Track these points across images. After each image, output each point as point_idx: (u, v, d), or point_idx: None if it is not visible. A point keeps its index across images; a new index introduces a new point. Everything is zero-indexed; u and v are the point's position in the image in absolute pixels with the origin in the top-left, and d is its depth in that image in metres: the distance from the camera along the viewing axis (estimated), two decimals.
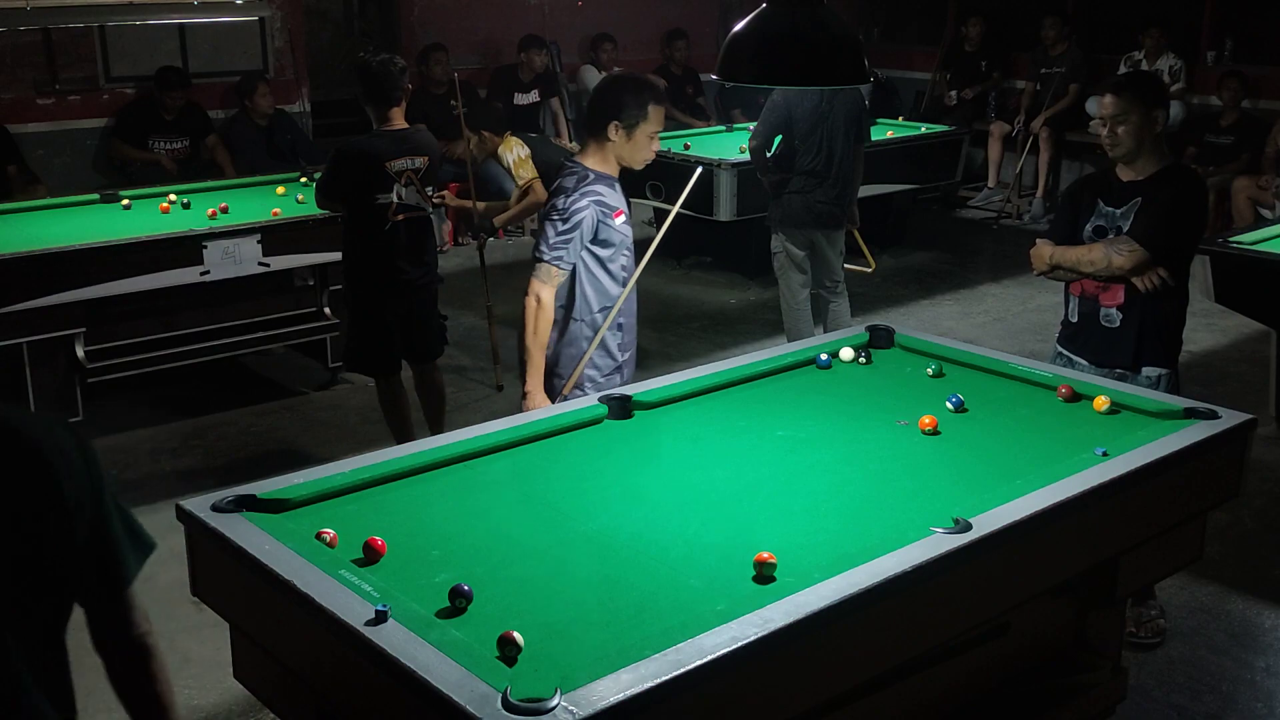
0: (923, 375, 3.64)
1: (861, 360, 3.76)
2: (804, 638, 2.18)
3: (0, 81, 7.76)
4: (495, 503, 2.80)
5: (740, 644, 2.08)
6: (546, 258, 3.69)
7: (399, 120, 4.90)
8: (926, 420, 3.20)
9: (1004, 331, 7.11)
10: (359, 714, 2.24)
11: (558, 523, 2.70)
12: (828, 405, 3.42)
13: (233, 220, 5.80)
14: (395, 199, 4.84)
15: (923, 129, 9.03)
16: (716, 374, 3.60)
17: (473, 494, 2.84)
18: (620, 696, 1.93)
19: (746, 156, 6.68)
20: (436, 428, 5.12)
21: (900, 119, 9.69)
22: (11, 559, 1.76)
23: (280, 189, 6.53)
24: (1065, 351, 4.06)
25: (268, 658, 2.50)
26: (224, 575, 2.56)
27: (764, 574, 2.38)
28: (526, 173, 6.34)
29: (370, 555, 2.47)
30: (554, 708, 1.89)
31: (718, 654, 2.05)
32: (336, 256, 5.34)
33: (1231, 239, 5.30)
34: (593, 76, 10.15)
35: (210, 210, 5.92)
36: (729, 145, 7.98)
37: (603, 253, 3.78)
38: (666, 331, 7.09)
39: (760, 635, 2.11)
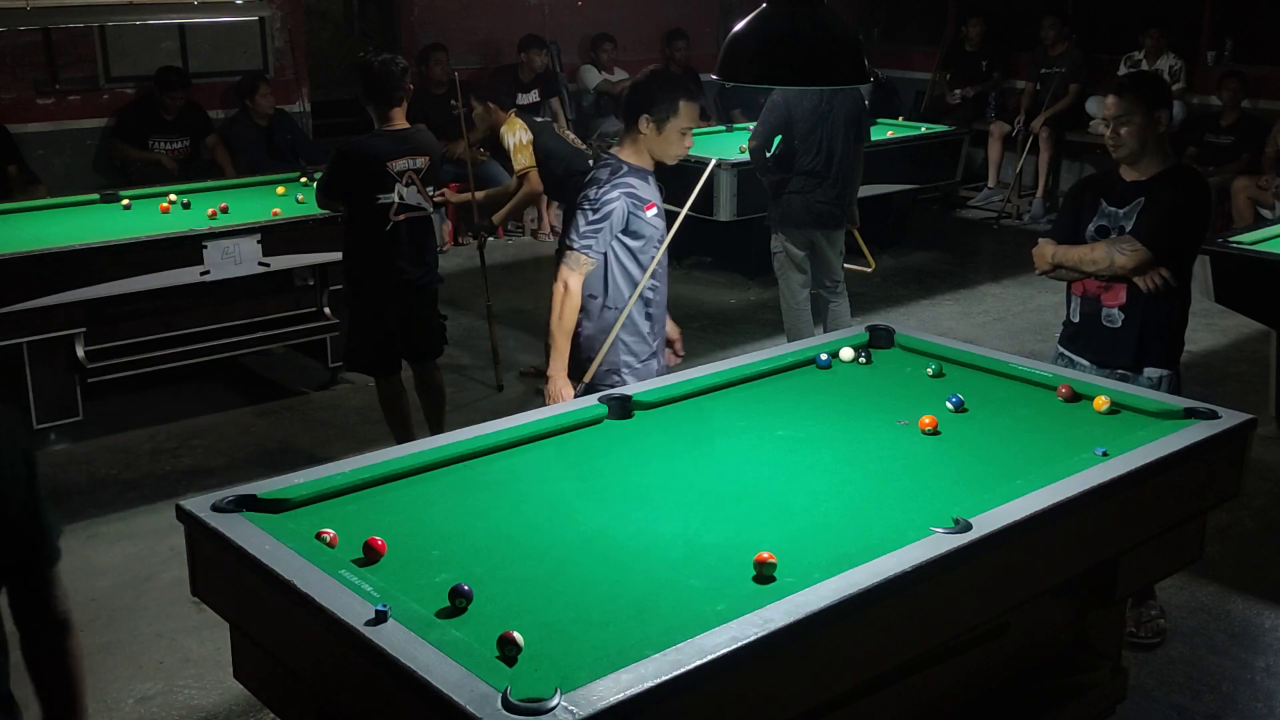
0: (923, 375, 3.64)
1: (861, 360, 3.76)
2: (804, 638, 2.18)
3: (0, 81, 7.76)
4: (495, 503, 2.80)
5: (740, 644, 2.08)
6: (576, 246, 3.78)
7: (400, 120, 4.90)
8: (926, 420, 3.20)
9: (1004, 331, 7.11)
10: (359, 714, 2.24)
11: (558, 523, 2.70)
12: (828, 405, 3.42)
13: (233, 220, 5.80)
14: (396, 199, 4.84)
15: (923, 129, 9.03)
16: (716, 374, 3.60)
17: (473, 494, 2.84)
18: (620, 696, 1.93)
19: (746, 156, 6.68)
20: (436, 428, 5.12)
21: (900, 119, 9.69)
22: None
23: (280, 189, 6.53)
24: (1067, 352, 4.06)
25: (268, 658, 2.50)
26: (224, 575, 2.56)
27: (764, 574, 2.38)
28: (525, 159, 6.15)
29: (370, 555, 2.47)
30: (554, 708, 1.89)
31: (718, 654, 2.05)
32: (336, 256, 5.35)
33: (1231, 239, 5.30)
34: (593, 76, 10.15)
35: (210, 210, 5.92)
36: (729, 145, 7.98)
37: (634, 244, 3.85)
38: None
39: (760, 635, 2.11)
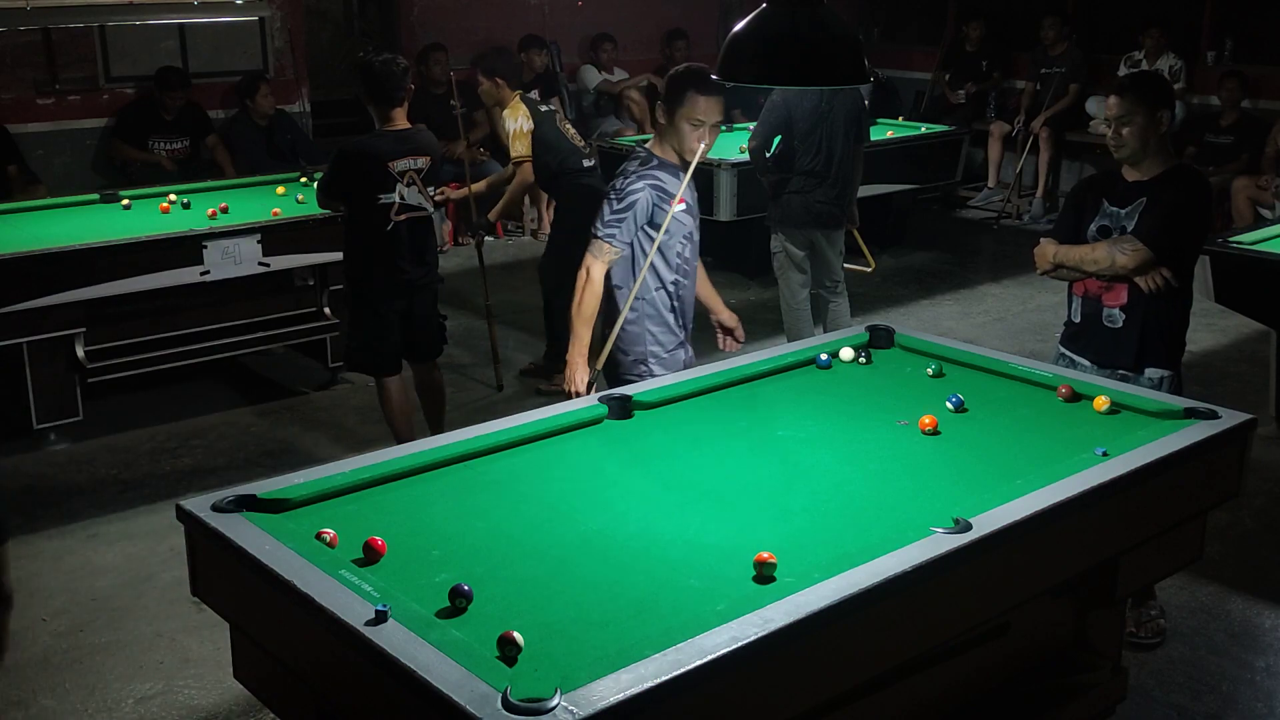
0: (923, 375, 3.64)
1: (861, 360, 3.76)
2: (804, 638, 2.18)
3: (0, 81, 7.76)
4: (495, 503, 2.80)
5: (740, 644, 2.08)
6: (600, 234, 3.85)
7: (401, 120, 4.90)
8: (926, 420, 3.20)
9: (1004, 331, 7.11)
10: (359, 714, 2.24)
11: (557, 523, 2.70)
12: (828, 405, 3.42)
13: (233, 220, 5.80)
14: (397, 199, 4.84)
15: (923, 129, 9.03)
16: (716, 374, 3.60)
17: (473, 494, 2.84)
18: (620, 696, 1.93)
19: (746, 156, 6.68)
20: (436, 428, 5.12)
21: (900, 119, 9.69)
22: None
23: (280, 189, 6.53)
24: (1068, 352, 4.06)
25: (268, 658, 2.50)
26: (224, 575, 2.56)
27: (764, 574, 2.38)
28: (522, 148, 6.01)
29: (370, 555, 2.47)
30: (554, 708, 1.89)
31: (718, 654, 2.05)
32: (336, 256, 5.35)
33: (1231, 239, 5.30)
34: (593, 76, 10.15)
35: (210, 210, 5.92)
36: (729, 145, 7.97)
37: (659, 237, 3.89)
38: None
39: (760, 635, 2.11)
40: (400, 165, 4.84)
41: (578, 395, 3.72)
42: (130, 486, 5.13)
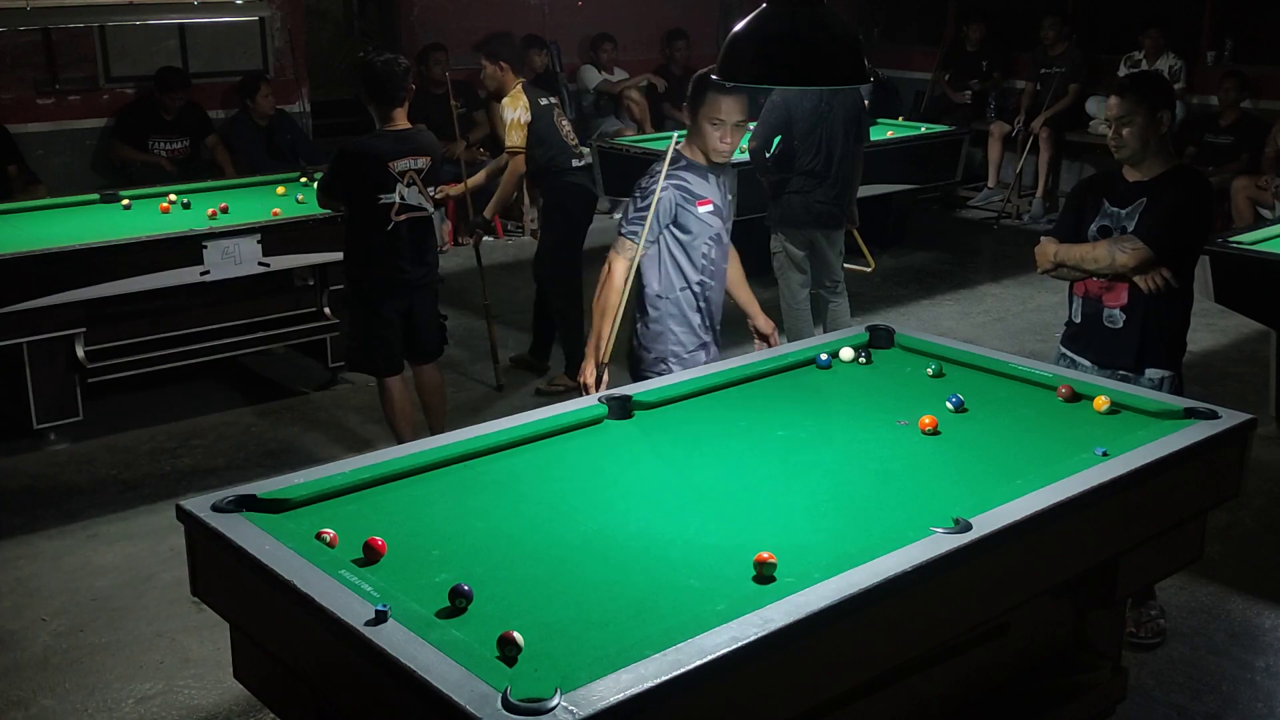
0: (923, 375, 3.64)
1: (861, 360, 3.76)
2: (804, 638, 2.18)
3: (0, 81, 7.76)
4: (495, 503, 2.80)
5: (740, 644, 2.08)
6: (623, 230, 3.92)
7: (402, 120, 4.90)
8: (926, 420, 3.20)
9: (1004, 331, 7.11)
10: (359, 714, 2.24)
11: (557, 523, 2.70)
12: (828, 405, 3.42)
13: (233, 220, 5.80)
14: (398, 199, 4.84)
15: (923, 129, 9.03)
16: (716, 374, 3.60)
17: (473, 494, 2.84)
18: (620, 697, 1.93)
19: (746, 156, 6.67)
20: (436, 428, 5.12)
21: (900, 119, 9.69)
22: None
23: (280, 189, 6.53)
24: (1068, 352, 4.06)
25: (268, 658, 2.50)
26: (224, 575, 2.56)
27: (764, 574, 2.38)
28: (517, 139, 5.94)
29: (370, 555, 2.47)
30: (554, 708, 1.89)
31: (718, 654, 2.05)
32: (336, 256, 5.34)
33: (1231, 239, 5.30)
34: (592, 76, 10.16)
35: (210, 210, 5.92)
36: None
37: (684, 237, 3.96)
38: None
39: (760, 635, 2.11)
40: (400, 165, 4.84)
41: (587, 390, 3.77)
42: (130, 486, 5.13)
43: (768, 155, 6.14)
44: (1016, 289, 8.00)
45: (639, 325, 4.06)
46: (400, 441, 4.64)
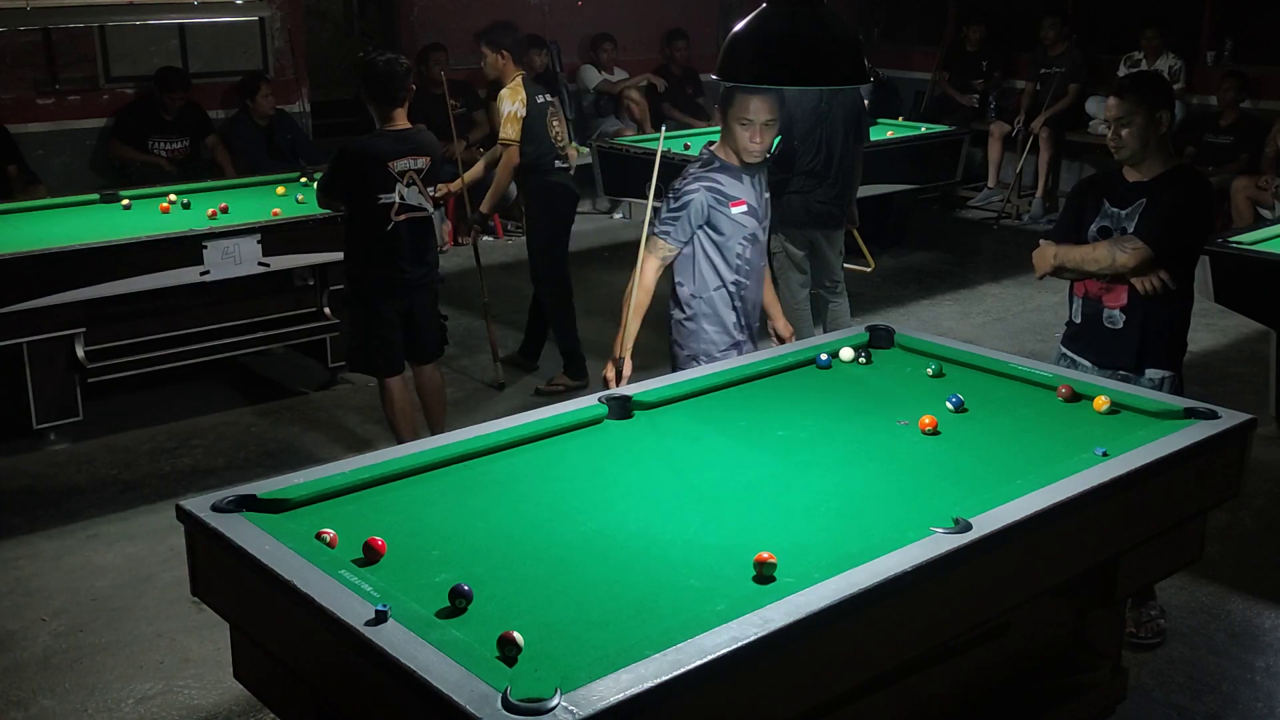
0: (923, 375, 3.64)
1: (861, 360, 3.76)
2: (804, 638, 2.18)
3: (0, 81, 7.76)
4: (495, 503, 2.80)
5: (740, 644, 2.08)
6: (655, 231, 3.99)
7: (402, 120, 4.90)
8: (926, 420, 3.20)
9: (1004, 331, 7.11)
10: (359, 714, 2.24)
11: (557, 523, 2.70)
12: (828, 405, 3.42)
13: (233, 220, 5.80)
14: (397, 199, 4.84)
15: (923, 129, 9.02)
16: (716, 374, 3.60)
17: (473, 494, 2.84)
18: (620, 697, 1.93)
19: None
20: (436, 428, 5.12)
21: (900, 119, 9.69)
22: None
23: (280, 189, 6.53)
24: (1069, 352, 4.06)
25: (268, 658, 2.50)
26: (224, 575, 2.56)
27: (764, 574, 2.38)
28: (512, 132, 5.92)
29: (370, 555, 2.47)
30: (554, 708, 1.89)
31: (718, 654, 2.05)
32: (336, 256, 5.35)
33: (1231, 239, 5.30)
34: (592, 76, 10.16)
35: (210, 210, 5.92)
36: None
37: (717, 238, 4.00)
38: (666, 331, 7.09)
39: (760, 635, 2.11)
40: (400, 165, 4.84)
41: (608, 384, 3.85)
42: (130, 486, 5.13)
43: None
44: (1016, 289, 8.00)
45: (674, 323, 4.13)
46: (400, 441, 4.64)
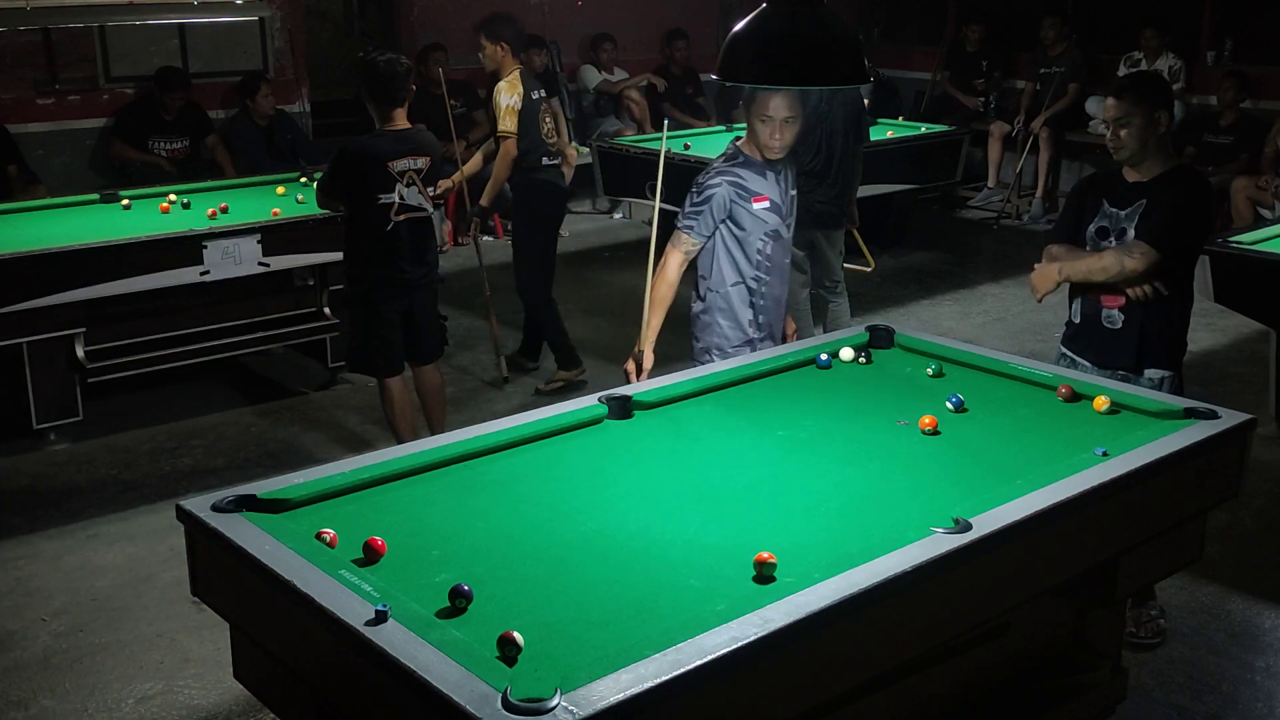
0: (923, 375, 3.64)
1: (861, 360, 3.76)
2: (804, 638, 2.18)
3: (0, 81, 7.76)
4: (495, 503, 2.80)
5: (740, 644, 2.08)
6: (679, 224, 4.02)
7: (402, 120, 4.90)
8: (926, 420, 3.20)
9: (1004, 331, 7.11)
10: (359, 714, 2.24)
11: (557, 523, 2.70)
12: (828, 405, 3.42)
13: (233, 220, 5.80)
14: (397, 199, 4.84)
15: (923, 129, 9.03)
16: (716, 374, 3.60)
17: (473, 494, 2.84)
18: (620, 697, 1.93)
19: None
20: (436, 428, 5.12)
21: (900, 119, 9.69)
22: None
23: (280, 189, 6.53)
24: (1068, 352, 4.06)
25: (268, 658, 2.50)
26: (224, 575, 2.56)
27: (764, 574, 2.38)
28: (509, 124, 5.91)
29: (370, 555, 2.47)
30: (554, 708, 1.89)
31: (718, 654, 2.05)
32: (336, 256, 5.35)
33: (1231, 239, 5.30)
34: (593, 76, 10.15)
35: (210, 210, 5.92)
36: (727, 144, 7.96)
37: (739, 233, 4.01)
38: (666, 331, 7.07)
39: (760, 635, 2.11)
40: (400, 165, 4.84)
41: (628, 377, 3.87)
42: (130, 486, 5.13)
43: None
44: (1016, 289, 8.00)
45: (692, 314, 4.16)
46: (400, 441, 4.64)
